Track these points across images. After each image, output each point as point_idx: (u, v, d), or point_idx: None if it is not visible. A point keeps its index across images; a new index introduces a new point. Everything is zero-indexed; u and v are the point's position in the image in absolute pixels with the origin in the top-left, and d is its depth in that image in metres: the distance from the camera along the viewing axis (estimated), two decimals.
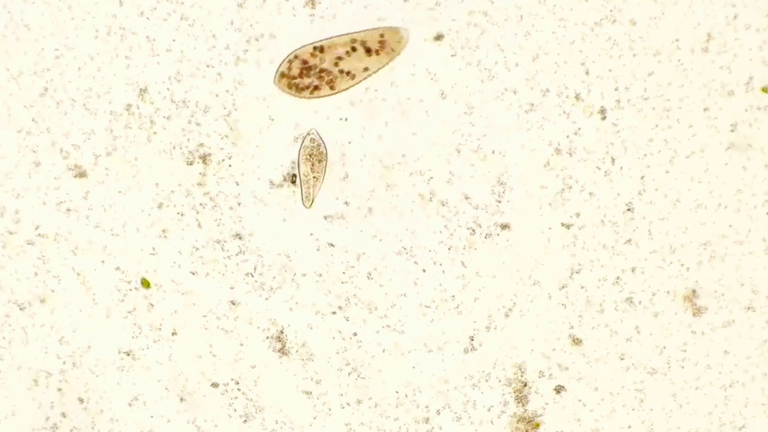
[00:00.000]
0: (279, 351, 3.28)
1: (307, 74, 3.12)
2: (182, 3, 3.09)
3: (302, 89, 3.14)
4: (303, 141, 3.11)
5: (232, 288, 3.23)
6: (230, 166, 3.20)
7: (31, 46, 3.11)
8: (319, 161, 3.14)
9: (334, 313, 3.26)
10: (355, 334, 3.30)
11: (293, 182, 3.18)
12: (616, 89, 3.16)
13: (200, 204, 3.22)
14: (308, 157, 3.14)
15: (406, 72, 3.16)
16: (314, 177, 3.17)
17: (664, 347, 3.28)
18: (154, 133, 3.17)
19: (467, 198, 3.22)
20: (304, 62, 3.12)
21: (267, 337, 3.28)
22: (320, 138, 3.12)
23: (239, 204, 3.21)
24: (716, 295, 3.26)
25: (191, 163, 3.16)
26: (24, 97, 3.12)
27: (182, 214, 3.21)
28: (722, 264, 3.23)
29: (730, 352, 3.26)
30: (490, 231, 3.25)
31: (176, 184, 3.19)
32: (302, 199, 3.17)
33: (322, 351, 3.29)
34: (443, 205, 3.22)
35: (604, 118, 3.17)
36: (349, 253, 3.25)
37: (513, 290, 3.26)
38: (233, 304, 3.24)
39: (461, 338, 3.30)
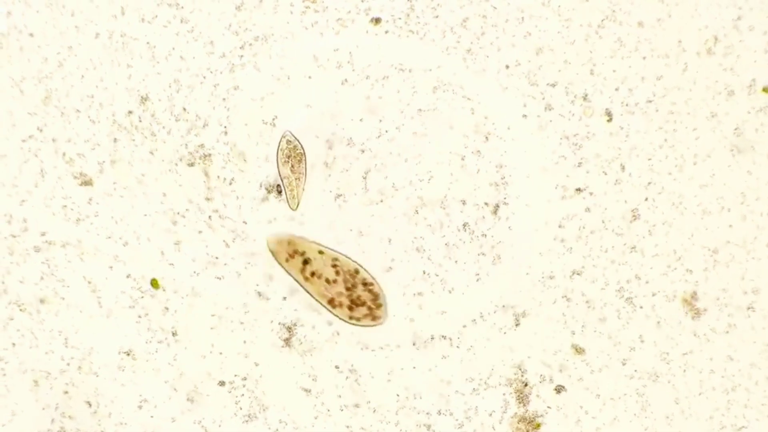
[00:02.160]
0: (284, 345, 3.31)
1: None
2: (182, 7, 3.09)
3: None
4: (279, 144, 3.12)
5: (244, 291, 3.26)
6: (231, 182, 3.22)
7: (34, 54, 3.12)
8: (299, 161, 3.15)
9: (330, 324, 3.29)
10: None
11: (279, 192, 3.19)
12: (617, 89, 3.14)
13: (204, 212, 3.23)
14: (287, 159, 3.15)
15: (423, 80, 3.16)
16: (296, 178, 3.17)
17: (667, 353, 3.28)
18: (154, 141, 3.18)
19: (469, 203, 3.22)
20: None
21: (272, 342, 3.30)
22: (296, 138, 3.13)
23: (240, 209, 3.22)
24: (719, 303, 3.26)
25: (192, 164, 3.17)
26: (27, 104, 3.13)
27: (189, 220, 3.23)
28: (727, 270, 3.23)
29: (734, 357, 3.27)
30: (490, 238, 3.26)
31: (178, 186, 3.20)
32: (287, 202, 3.18)
33: (326, 354, 3.31)
34: (442, 207, 3.22)
35: (609, 120, 3.16)
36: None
37: (515, 297, 3.26)
38: (246, 307, 3.27)
39: (462, 344, 3.31)
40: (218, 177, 3.18)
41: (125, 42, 3.08)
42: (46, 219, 3.20)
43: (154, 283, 3.24)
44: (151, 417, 3.35)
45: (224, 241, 3.26)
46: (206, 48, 3.10)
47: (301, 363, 3.33)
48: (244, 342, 3.30)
